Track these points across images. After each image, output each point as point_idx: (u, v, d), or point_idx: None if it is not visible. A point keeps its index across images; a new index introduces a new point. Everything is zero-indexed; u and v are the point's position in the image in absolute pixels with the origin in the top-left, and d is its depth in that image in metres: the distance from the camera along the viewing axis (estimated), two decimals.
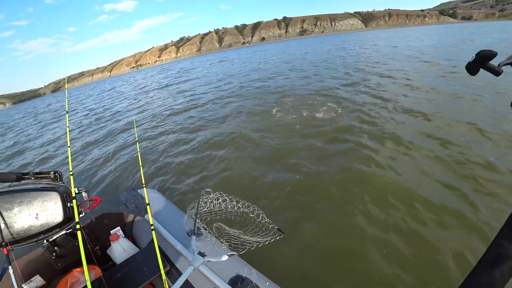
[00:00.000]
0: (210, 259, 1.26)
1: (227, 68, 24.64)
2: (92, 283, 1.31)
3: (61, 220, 1.52)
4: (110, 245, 1.93)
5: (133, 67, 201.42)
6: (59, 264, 1.80)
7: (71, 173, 1.68)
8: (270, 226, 1.44)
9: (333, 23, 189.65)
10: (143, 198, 2.18)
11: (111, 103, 17.58)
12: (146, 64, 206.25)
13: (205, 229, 1.66)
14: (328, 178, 3.88)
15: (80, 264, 1.59)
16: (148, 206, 1.76)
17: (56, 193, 1.52)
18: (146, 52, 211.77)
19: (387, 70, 11.84)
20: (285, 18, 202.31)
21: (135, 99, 16.73)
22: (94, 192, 4.76)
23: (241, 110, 8.30)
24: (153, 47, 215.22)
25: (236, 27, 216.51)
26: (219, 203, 1.59)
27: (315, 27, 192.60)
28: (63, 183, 1.68)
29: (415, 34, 43.26)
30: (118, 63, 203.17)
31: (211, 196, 1.62)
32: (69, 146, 1.89)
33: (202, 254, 1.25)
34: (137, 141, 2.44)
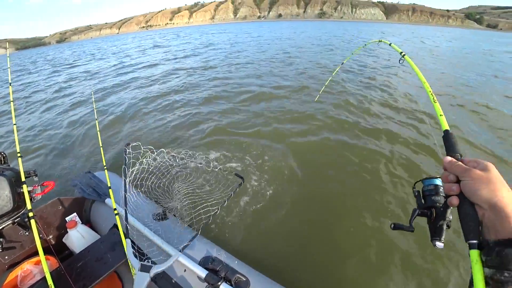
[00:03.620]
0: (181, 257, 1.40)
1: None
2: (50, 274, 1.23)
3: (10, 208, 1.37)
4: (66, 232, 1.83)
5: (143, 27, 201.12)
6: (6, 257, 1.68)
7: (19, 154, 1.51)
8: (227, 175, 1.43)
9: (354, 9, 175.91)
10: (102, 182, 2.11)
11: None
12: (156, 25, 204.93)
13: (168, 211, 1.70)
14: None
15: (32, 256, 1.63)
16: (110, 190, 1.69)
17: (2, 177, 1.36)
18: (158, 13, 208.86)
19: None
20: None
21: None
22: (44, 176, 4.09)
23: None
24: (165, 8, 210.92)
25: None
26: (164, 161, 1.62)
27: (335, 12, 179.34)
28: (9, 165, 1.54)
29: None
30: (127, 20, 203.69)
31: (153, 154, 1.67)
32: (14, 124, 1.68)
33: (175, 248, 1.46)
34: (96, 119, 2.35)
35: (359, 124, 5.32)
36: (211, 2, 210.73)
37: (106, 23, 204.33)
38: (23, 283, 1.54)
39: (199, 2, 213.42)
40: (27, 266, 1.61)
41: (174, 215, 1.70)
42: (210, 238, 1.73)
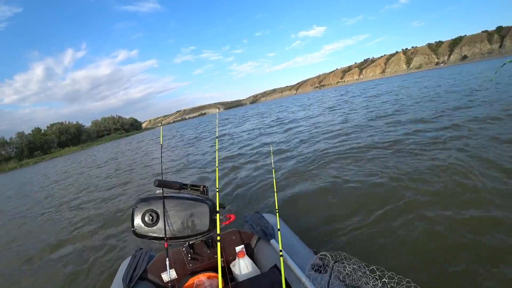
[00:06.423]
0: None
1: None
2: None
3: (206, 229, 1.72)
4: (233, 259, 2.06)
5: (316, 87, 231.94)
6: (191, 265, 2.01)
7: (217, 190, 1.90)
8: None
9: None
10: (269, 223, 2.28)
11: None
12: (328, 84, 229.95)
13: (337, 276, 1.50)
14: None
15: (207, 270, 1.93)
16: (279, 232, 1.80)
17: (206, 205, 1.73)
18: (330, 73, 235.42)
19: None
20: (499, 28, 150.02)
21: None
22: (228, 209, 3.91)
23: None
24: (336, 68, 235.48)
25: (429, 45, 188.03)
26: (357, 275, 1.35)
27: None
28: (208, 197, 1.87)
29: None
30: (303, 83, 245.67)
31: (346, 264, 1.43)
32: (217, 167, 2.12)
33: None
34: (272, 168, 2.61)
35: None
36: (381, 57, 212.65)
37: (286, 86, 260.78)
38: None
39: (369, 58, 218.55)
40: (202, 277, 1.86)
41: (332, 271, 1.51)
42: None
